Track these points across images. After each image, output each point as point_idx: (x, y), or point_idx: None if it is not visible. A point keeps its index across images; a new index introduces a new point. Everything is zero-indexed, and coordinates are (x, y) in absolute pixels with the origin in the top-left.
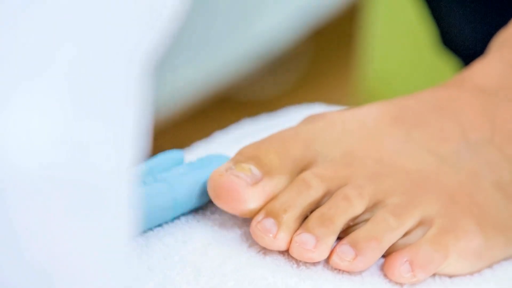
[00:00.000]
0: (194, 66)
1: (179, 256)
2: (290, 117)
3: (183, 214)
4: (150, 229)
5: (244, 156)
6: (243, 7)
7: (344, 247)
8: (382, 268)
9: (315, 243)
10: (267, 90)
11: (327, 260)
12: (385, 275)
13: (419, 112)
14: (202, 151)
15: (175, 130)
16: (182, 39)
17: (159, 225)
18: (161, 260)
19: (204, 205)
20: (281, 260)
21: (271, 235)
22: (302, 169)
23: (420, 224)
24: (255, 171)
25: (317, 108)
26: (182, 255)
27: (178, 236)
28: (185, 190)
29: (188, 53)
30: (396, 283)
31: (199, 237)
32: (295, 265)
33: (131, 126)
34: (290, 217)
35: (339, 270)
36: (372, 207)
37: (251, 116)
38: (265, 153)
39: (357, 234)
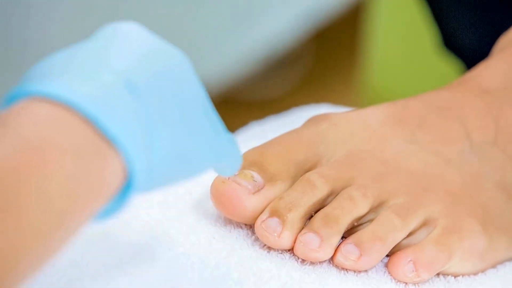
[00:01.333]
0: (198, 68)
1: (184, 248)
2: (297, 117)
3: (188, 209)
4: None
5: (247, 162)
6: (247, 8)
7: (349, 247)
8: (387, 265)
9: (320, 243)
10: (271, 90)
11: (331, 259)
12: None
13: (423, 114)
14: None
15: None
16: (186, 40)
17: (164, 217)
18: (165, 251)
19: (208, 200)
20: (286, 254)
21: (275, 234)
22: (306, 172)
23: (424, 224)
24: (258, 178)
25: (323, 109)
26: (186, 248)
27: (182, 229)
28: None
29: (191, 55)
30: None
31: (203, 231)
32: (299, 259)
33: None
34: (295, 217)
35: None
36: (377, 208)
37: (254, 116)
38: (267, 159)
39: (362, 234)
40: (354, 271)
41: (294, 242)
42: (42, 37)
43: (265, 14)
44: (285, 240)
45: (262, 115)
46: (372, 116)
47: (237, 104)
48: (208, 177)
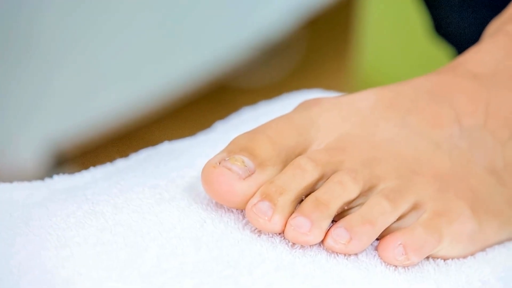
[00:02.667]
0: (192, 55)
1: (175, 232)
2: (289, 102)
3: (179, 193)
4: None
5: (238, 147)
6: None
7: (339, 230)
8: (377, 248)
9: (310, 226)
10: (264, 78)
11: (322, 243)
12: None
13: (413, 98)
14: (203, 139)
15: (173, 118)
16: (180, 28)
17: (156, 201)
18: (157, 235)
19: (199, 184)
20: (276, 237)
21: (266, 217)
22: (297, 157)
23: (414, 208)
24: (248, 163)
25: (315, 94)
26: (177, 232)
27: (174, 213)
28: None
29: (186, 42)
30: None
31: (195, 215)
32: (290, 243)
33: None
34: (285, 200)
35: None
36: (367, 192)
37: (248, 102)
38: (258, 144)
39: (352, 217)
40: (344, 255)
41: (285, 226)
42: (31, 32)
43: (258, 2)
44: (276, 223)
45: (255, 101)
46: (363, 101)
47: (231, 90)
48: (200, 161)
